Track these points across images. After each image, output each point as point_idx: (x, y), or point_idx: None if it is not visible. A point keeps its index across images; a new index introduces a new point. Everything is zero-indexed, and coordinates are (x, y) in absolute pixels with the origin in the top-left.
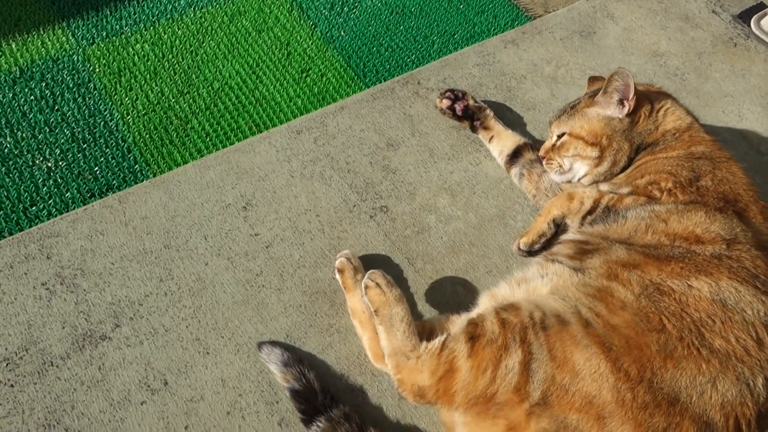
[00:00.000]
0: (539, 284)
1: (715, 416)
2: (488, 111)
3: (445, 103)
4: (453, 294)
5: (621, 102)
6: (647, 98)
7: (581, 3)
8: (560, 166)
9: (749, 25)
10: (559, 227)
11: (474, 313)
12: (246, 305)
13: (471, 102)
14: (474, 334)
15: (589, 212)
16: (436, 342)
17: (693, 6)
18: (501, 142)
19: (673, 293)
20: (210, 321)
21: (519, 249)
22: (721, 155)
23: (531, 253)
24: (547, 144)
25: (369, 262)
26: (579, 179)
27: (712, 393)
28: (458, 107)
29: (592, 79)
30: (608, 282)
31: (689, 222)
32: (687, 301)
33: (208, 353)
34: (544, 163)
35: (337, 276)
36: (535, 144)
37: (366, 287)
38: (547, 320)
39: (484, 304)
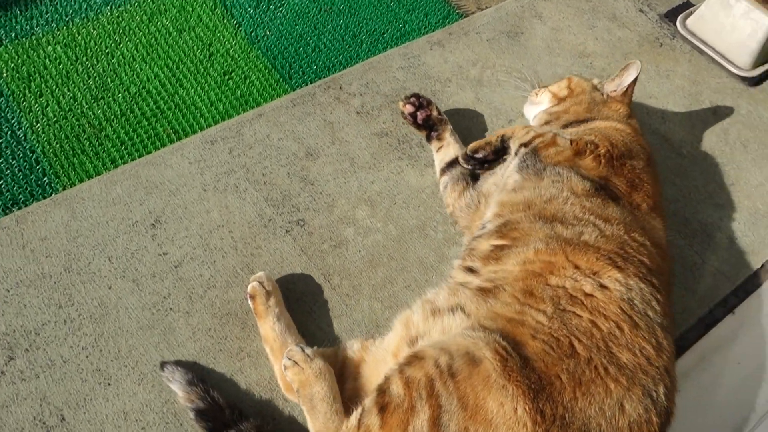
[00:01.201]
0: (452, 323)
1: None
2: (448, 125)
3: (409, 108)
4: (370, 311)
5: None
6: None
7: (510, 2)
8: (536, 95)
9: (675, 24)
10: (504, 145)
11: (382, 377)
12: (152, 331)
13: (434, 113)
14: (383, 403)
15: (525, 144)
16: (354, 420)
17: (621, 5)
18: (446, 151)
19: (584, 299)
20: (112, 349)
21: (465, 154)
22: (654, 165)
23: (471, 158)
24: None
25: (284, 279)
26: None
27: (619, 417)
28: (420, 115)
29: None
30: (521, 307)
31: (593, 204)
32: (597, 308)
33: (109, 384)
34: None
35: (249, 302)
36: None
37: (285, 367)
38: (455, 364)
39: (397, 333)
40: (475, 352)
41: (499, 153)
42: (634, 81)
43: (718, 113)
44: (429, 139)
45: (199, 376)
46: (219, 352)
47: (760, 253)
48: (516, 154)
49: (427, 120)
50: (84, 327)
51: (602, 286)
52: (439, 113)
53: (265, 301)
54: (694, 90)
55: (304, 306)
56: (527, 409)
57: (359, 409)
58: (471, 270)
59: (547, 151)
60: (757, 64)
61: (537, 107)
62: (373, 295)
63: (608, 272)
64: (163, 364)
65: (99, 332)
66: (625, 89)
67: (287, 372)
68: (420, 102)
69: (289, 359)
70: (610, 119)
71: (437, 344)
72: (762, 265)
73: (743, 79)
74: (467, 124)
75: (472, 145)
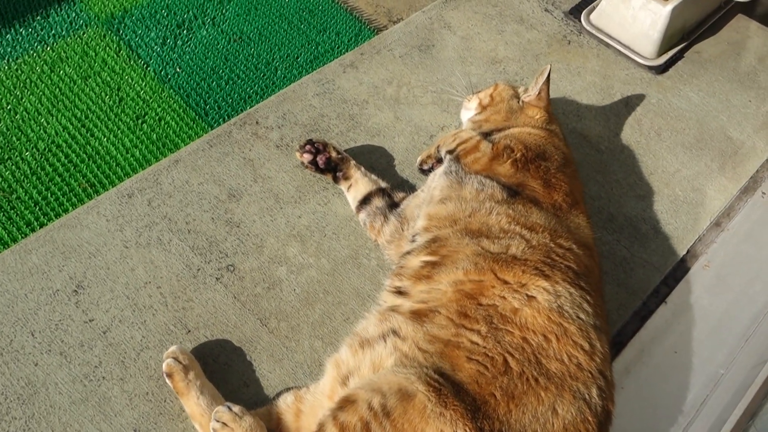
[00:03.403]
0: (383, 352)
1: None
2: (351, 161)
3: (307, 157)
4: (311, 350)
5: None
6: (546, 104)
7: (418, 15)
8: (468, 100)
9: (580, 21)
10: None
11: (315, 416)
12: (86, 404)
13: (333, 154)
14: None
15: (450, 151)
16: None
17: (526, 6)
18: (356, 188)
19: (514, 316)
20: (45, 430)
21: (419, 165)
22: (572, 164)
23: (423, 171)
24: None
25: (219, 330)
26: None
27: (554, 420)
28: (320, 160)
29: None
30: (456, 329)
31: (515, 212)
32: (526, 323)
33: None
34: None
35: (167, 380)
36: (389, 176)
37: (214, 430)
38: (388, 403)
39: (329, 374)
40: (408, 386)
41: (441, 161)
42: (546, 84)
43: (630, 104)
44: (336, 180)
45: None
46: (159, 416)
47: (684, 240)
48: (443, 161)
49: (328, 163)
50: (12, 410)
51: (530, 298)
52: (339, 152)
53: (184, 376)
54: (605, 84)
55: (242, 355)
56: (468, 428)
57: None
58: (401, 292)
59: (468, 158)
60: (660, 52)
61: (468, 113)
62: (313, 333)
63: (536, 282)
64: None
65: (29, 413)
66: (538, 93)
67: None
68: (316, 147)
69: (218, 421)
70: (526, 125)
71: (368, 385)
72: (687, 251)
73: (650, 68)
74: (390, 145)
75: (420, 158)
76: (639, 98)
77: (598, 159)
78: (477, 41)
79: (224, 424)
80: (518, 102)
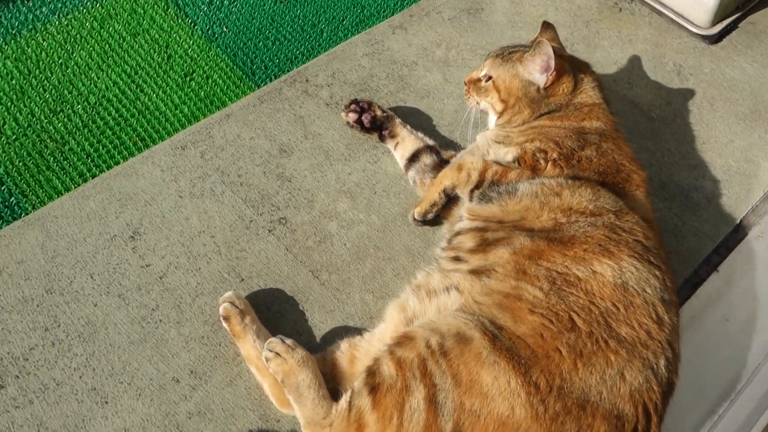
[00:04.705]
0: (447, 300)
1: (625, 407)
2: (396, 119)
3: (352, 116)
4: (362, 303)
5: (542, 72)
6: (572, 74)
7: None
8: (477, 103)
9: None
10: (449, 197)
11: (377, 350)
12: (144, 344)
13: (378, 112)
14: (374, 384)
15: (477, 186)
16: (344, 402)
17: None
18: (403, 146)
19: (579, 282)
20: (106, 367)
21: (414, 219)
22: (614, 133)
23: (425, 222)
24: (474, 74)
25: (272, 280)
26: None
27: (620, 384)
28: (365, 119)
29: (545, 25)
30: (516, 282)
31: (581, 197)
32: (593, 290)
33: (106, 403)
34: (464, 90)
35: (224, 323)
36: (437, 137)
37: (267, 359)
38: (446, 343)
39: (393, 319)
40: (466, 331)
41: (447, 202)
42: (558, 56)
43: (682, 74)
44: (382, 139)
45: None
46: (215, 359)
47: (737, 210)
48: (471, 200)
49: (373, 121)
50: (74, 347)
51: (594, 272)
52: (384, 111)
53: (240, 320)
54: (657, 53)
55: (295, 305)
56: (519, 382)
57: (348, 393)
58: (458, 259)
59: (508, 176)
60: (715, 21)
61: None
62: (364, 287)
63: (598, 258)
64: None
65: (90, 351)
66: (554, 73)
67: (269, 364)
68: (361, 106)
69: (270, 351)
70: (553, 111)
71: (427, 325)
72: (740, 221)
73: (703, 37)
74: (439, 106)
75: (419, 211)
76: (692, 67)
77: (650, 127)
78: (527, 5)
79: (277, 354)
80: (537, 89)
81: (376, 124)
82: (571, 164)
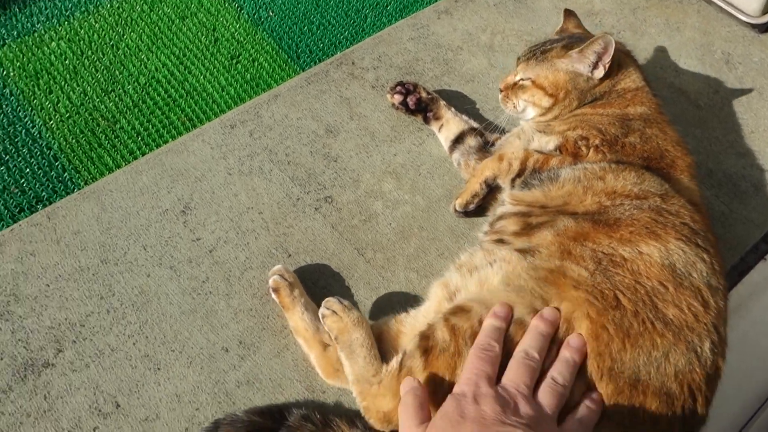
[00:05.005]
0: (490, 273)
1: (672, 386)
2: (441, 101)
3: (397, 98)
4: (406, 281)
5: (595, 64)
6: (618, 62)
7: None
8: (515, 106)
9: None
10: (491, 187)
11: (428, 316)
12: (194, 315)
13: (423, 94)
14: (427, 346)
15: (518, 174)
16: (395, 362)
17: None
18: (448, 128)
19: (625, 263)
20: (158, 335)
21: (455, 210)
22: (658, 117)
23: (467, 213)
24: (509, 79)
25: (318, 256)
26: (527, 119)
27: (666, 365)
28: (410, 101)
29: (568, 13)
30: (561, 261)
31: (625, 181)
32: (639, 270)
33: (159, 369)
34: (500, 97)
35: (273, 295)
36: (481, 121)
37: (323, 316)
38: None
39: (436, 296)
40: (516, 315)
41: (488, 193)
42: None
43: (731, 62)
44: (427, 121)
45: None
46: (263, 330)
47: None
48: (513, 187)
49: (418, 103)
50: (128, 316)
51: (640, 253)
52: (428, 93)
53: (289, 292)
54: (705, 41)
55: (340, 281)
56: None
57: (399, 355)
58: (502, 242)
59: (549, 163)
60: (765, 10)
61: (519, 115)
62: (408, 265)
63: (645, 240)
64: None
65: (143, 320)
66: (609, 64)
67: (325, 321)
68: (406, 88)
69: (328, 309)
70: (598, 100)
71: (481, 301)
72: None
73: (753, 26)
74: (483, 91)
75: (460, 202)
76: (741, 56)
77: (697, 115)
78: None
79: (334, 312)
80: (586, 78)
81: (421, 106)
82: (615, 150)
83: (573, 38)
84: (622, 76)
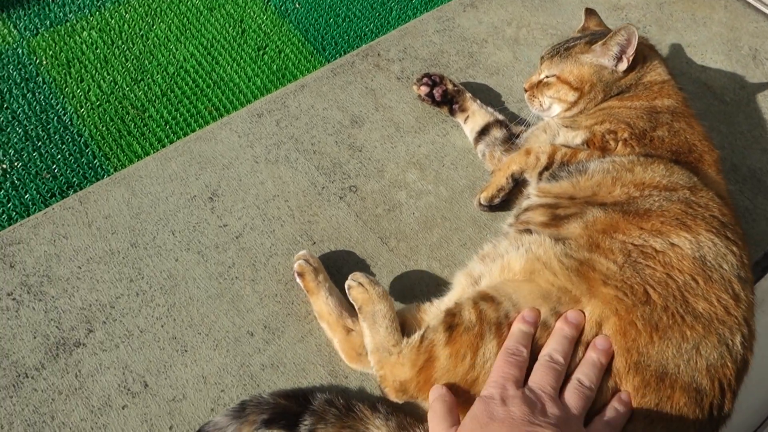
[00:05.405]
0: (514, 256)
1: (703, 381)
2: (466, 93)
3: (424, 90)
4: (429, 271)
5: (619, 57)
6: (642, 55)
7: None
8: (541, 104)
9: None
10: (517, 182)
11: (451, 302)
12: (221, 299)
13: (450, 86)
14: (452, 323)
15: (546, 168)
16: (416, 335)
17: None
18: (473, 120)
19: (657, 255)
20: (185, 318)
21: (480, 204)
22: (685, 110)
23: (491, 207)
24: (534, 79)
25: (343, 244)
26: (552, 116)
27: (697, 359)
28: (437, 93)
29: (589, 12)
30: (589, 254)
31: (654, 173)
32: (671, 263)
33: (186, 351)
34: (526, 96)
35: (298, 279)
36: (506, 113)
37: (349, 287)
38: None
39: (460, 284)
40: (541, 317)
41: (513, 193)
42: (635, 38)
43: (758, 58)
44: (452, 113)
45: (240, 406)
46: (287, 315)
47: None
48: (540, 180)
49: (444, 95)
50: (156, 298)
51: (672, 245)
52: (455, 85)
53: (314, 277)
54: (732, 36)
55: (364, 269)
56: None
57: (422, 329)
58: (529, 231)
59: (577, 157)
60: None
61: (545, 113)
62: (431, 255)
63: (676, 231)
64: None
65: (171, 303)
66: (634, 56)
67: (350, 292)
68: (433, 80)
69: (354, 281)
70: (625, 92)
71: (509, 296)
72: None
73: None
74: (508, 84)
75: (485, 195)
76: (767, 52)
77: (722, 110)
78: None
79: (360, 284)
80: (610, 72)
81: (446, 98)
82: (643, 144)
83: (596, 34)
84: (647, 69)
